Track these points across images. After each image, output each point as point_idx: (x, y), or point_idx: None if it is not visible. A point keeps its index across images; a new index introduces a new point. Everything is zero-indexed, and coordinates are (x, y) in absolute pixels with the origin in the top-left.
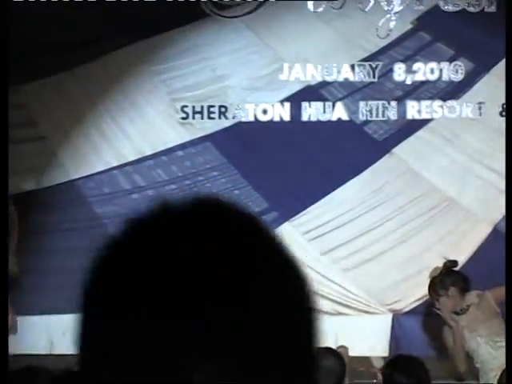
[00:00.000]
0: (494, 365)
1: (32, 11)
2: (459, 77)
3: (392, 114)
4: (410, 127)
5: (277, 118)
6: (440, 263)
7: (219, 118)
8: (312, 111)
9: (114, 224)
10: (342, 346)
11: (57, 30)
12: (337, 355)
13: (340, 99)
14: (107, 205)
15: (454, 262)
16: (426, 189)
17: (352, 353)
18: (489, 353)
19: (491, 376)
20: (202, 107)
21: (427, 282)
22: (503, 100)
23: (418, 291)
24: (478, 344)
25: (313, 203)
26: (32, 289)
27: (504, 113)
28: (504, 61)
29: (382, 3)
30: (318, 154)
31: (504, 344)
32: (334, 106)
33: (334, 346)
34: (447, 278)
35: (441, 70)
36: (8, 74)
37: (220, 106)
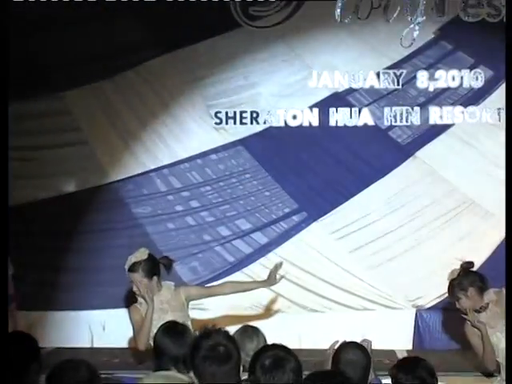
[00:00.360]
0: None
1: (71, 22)
2: (479, 84)
3: (415, 119)
4: (433, 132)
5: (306, 123)
6: (457, 265)
7: (251, 123)
8: (339, 117)
9: (150, 224)
10: (366, 340)
11: (96, 40)
12: (362, 348)
13: (366, 105)
14: (144, 205)
15: (470, 263)
16: (448, 190)
17: (377, 346)
18: (500, 348)
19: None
20: (235, 113)
21: (446, 280)
22: None
23: (439, 288)
24: (498, 339)
25: (340, 204)
26: (74, 285)
27: None
28: None
29: (405, 14)
30: (345, 158)
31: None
32: (360, 111)
33: (360, 339)
34: (465, 279)
35: (461, 78)
36: (7, 83)
37: (252, 112)
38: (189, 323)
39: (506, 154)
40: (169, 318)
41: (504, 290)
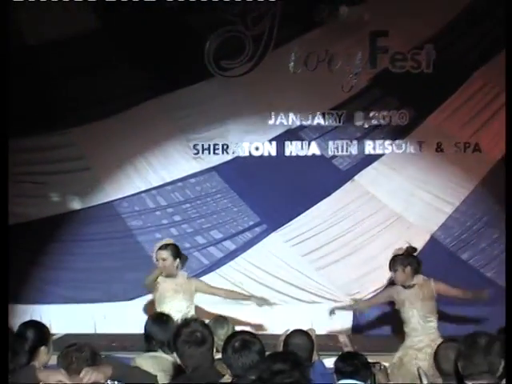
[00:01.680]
0: (422, 333)
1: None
2: (404, 122)
3: (353, 150)
4: (367, 160)
5: (266, 154)
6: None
7: (222, 153)
8: (292, 148)
9: (142, 234)
10: (311, 329)
11: (97, 86)
12: (307, 334)
13: (314, 139)
14: (137, 219)
15: (414, 249)
16: (379, 207)
17: (323, 332)
18: (419, 323)
19: (416, 340)
20: (209, 145)
21: (379, 278)
22: (438, 139)
23: (373, 285)
24: (412, 314)
25: (294, 218)
26: (80, 283)
27: (439, 149)
28: (441, 107)
29: (345, 66)
30: (297, 181)
31: (432, 319)
32: (309, 144)
33: (310, 326)
34: (406, 258)
35: (390, 117)
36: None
37: (223, 144)
38: (193, 307)
39: (506, 155)
40: (180, 297)
41: (431, 281)
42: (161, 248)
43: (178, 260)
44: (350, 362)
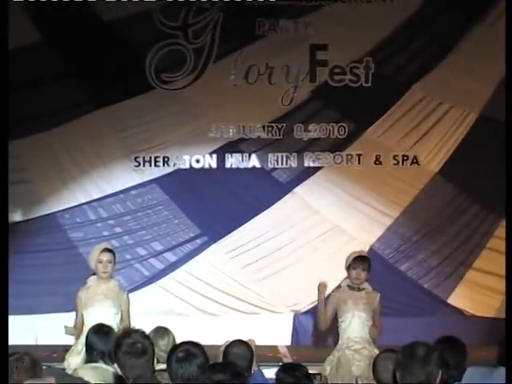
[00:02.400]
0: (359, 335)
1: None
2: (343, 135)
3: (293, 162)
4: (307, 173)
5: (207, 166)
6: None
7: (163, 165)
8: (233, 160)
9: (83, 246)
10: (250, 339)
11: (42, 99)
12: (246, 345)
13: (254, 152)
14: (78, 231)
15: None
16: (319, 219)
17: (263, 343)
18: (358, 324)
19: (353, 341)
20: (150, 157)
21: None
22: (377, 152)
23: (311, 297)
24: (353, 315)
25: (234, 230)
26: (21, 295)
27: (377, 162)
28: (379, 120)
29: (285, 79)
30: (238, 193)
31: (369, 325)
32: (249, 156)
33: (250, 337)
34: (368, 262)
35: (330, 130)
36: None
37: (164, 157)
38: (119, 317)
39: (506, 154)
40: (109, 303)
41: (378, 296)
42: (104, 250)
43: (114, 266)
44: (292, 373)
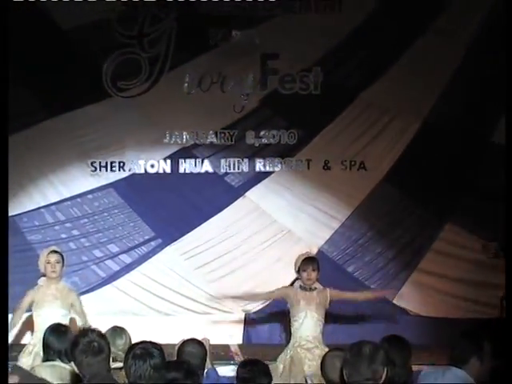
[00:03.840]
0: (311, 334)
1: None
2: (293, 141)
3: (245, 167)
4: (258, 177)
5: (161, 171)
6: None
7: (119, 170)
8: (187, 166)
9: (41, 248)
10: (205, 338)
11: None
12: (200, 343)
13: (207, 157)
14: (36, 234)
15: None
16: (269, 222)
17: (215, 342)
18: (310, 324)
19: (305, 340)
20: (106, 163)
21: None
22: (325, 157)
23: None
24: (305, 315)
25: (187, 233)
26: None
27: (326, 167)
28: (328, 127)
29: (237, 87)
30: (191, 197)
31: (321, 324)
32: (202, 162)
33: (203, 336)
34: (317, 262)
35: (280, 136)
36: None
37: (119, 162)
38: (68, 318)
39: (506, 153)
40: (58, 304)
41: (327, 289)
42: (52, 252)
43: (63, 267)
44: (250, 369)
